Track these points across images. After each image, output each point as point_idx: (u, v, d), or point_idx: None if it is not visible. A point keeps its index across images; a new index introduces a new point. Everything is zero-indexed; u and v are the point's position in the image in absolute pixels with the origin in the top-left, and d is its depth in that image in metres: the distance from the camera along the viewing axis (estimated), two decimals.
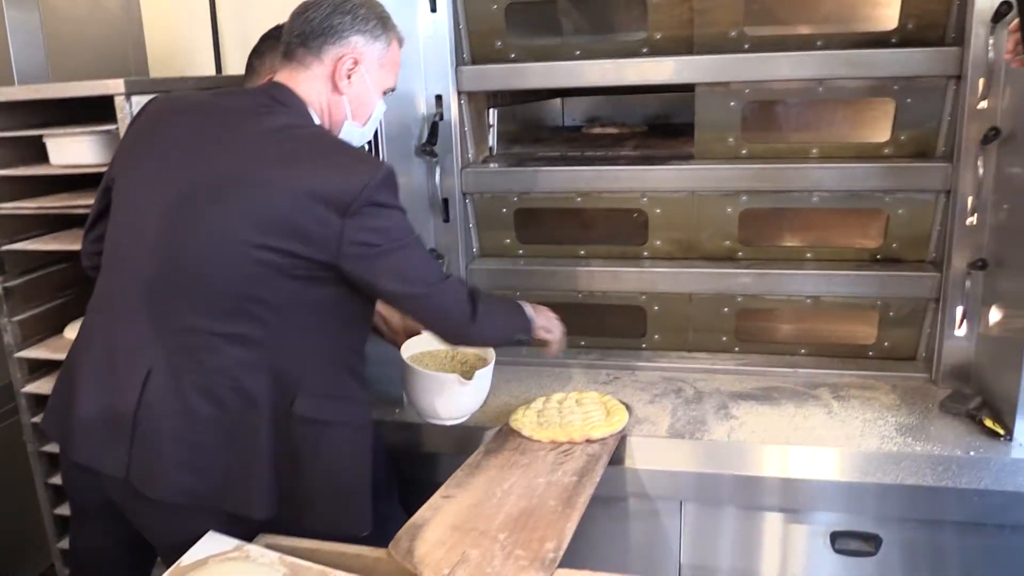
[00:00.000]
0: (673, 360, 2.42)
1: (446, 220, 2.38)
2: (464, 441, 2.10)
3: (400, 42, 1.78)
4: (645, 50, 2.26)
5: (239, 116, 1.65)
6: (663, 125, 3.23)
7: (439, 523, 1.60)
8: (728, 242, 2.35)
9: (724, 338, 2.41)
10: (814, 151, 2.26)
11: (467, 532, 1.56)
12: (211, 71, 3.22)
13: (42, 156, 2.19)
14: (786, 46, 2.16)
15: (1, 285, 2.23)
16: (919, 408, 2.10)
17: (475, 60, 2.37)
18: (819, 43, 2.15)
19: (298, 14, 1.70)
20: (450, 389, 1.96)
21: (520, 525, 1.58)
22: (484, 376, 1.98)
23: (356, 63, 1.69)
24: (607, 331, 2.51)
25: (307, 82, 1.69)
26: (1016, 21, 1.66)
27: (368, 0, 1.72)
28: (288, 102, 1.67)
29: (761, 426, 2.05)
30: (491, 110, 2.63)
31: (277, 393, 1.60)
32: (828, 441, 1.96)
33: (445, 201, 2.37)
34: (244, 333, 1.57)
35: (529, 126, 3.13)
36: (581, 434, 1.95)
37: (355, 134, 1.77)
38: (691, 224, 2.35)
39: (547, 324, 1.97)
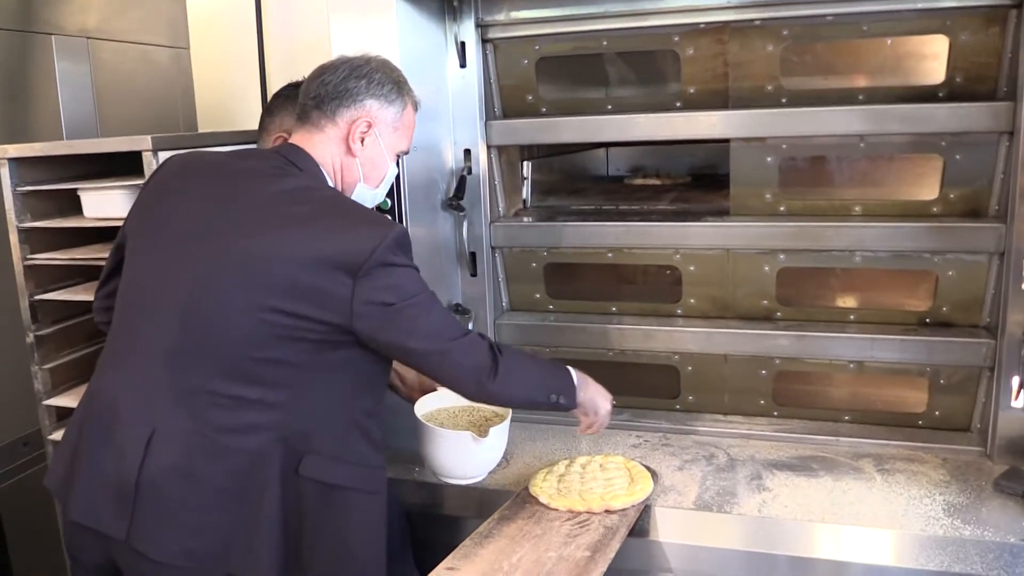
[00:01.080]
0: (707, 423, 2.32)
1: (473, 274, 2.34)
2: (483, 504, 2.03)
3: (416, 106, 1.78)
4: (679, 104, 2.20)
5: (254, 178, 1.65)
6: (708, 176, 3.15)
7: None
8: (765, 301, 2.25)
9: (762, 401, 2.30)
10: (856, 209, 2.16)
11: None
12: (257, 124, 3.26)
13: (77, 208, 2.23)
14: (825, 100, 2.07)
15: (33, 333, 2.26)
16: (971, 486, 1.95)
17: (506, 114, 2.35)
18: (861, 97, 2.06)
19: (315, 77, 1.71)
20: (464, 447, 1.91)
21: None
22: (499, 433, 1.92)
23: (370, 126, 1.69)
24: (639, 391, 2.42)
25: (321, 144, 1.69)
26: None
27: (384, 65, 1.73)
28: (302, 164, 1.67)
29: (795, 500, 1.92)
30: (525, 162, 2.59)
31: (286, 454, 1.57)
32: (868, 520, 1.83)
33: (473, 255, 2.33)
34: (257, 397, 1.55)
35: (570, 176, 3.09)
36: (600, 504, 1.86)
37: (367, 196, 1.76)
38: (726, 282, 2.26)
39: (593, 402, 1.89)
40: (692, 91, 2.18)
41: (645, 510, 1.92)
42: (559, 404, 1.81)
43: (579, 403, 1.86)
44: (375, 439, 1.70)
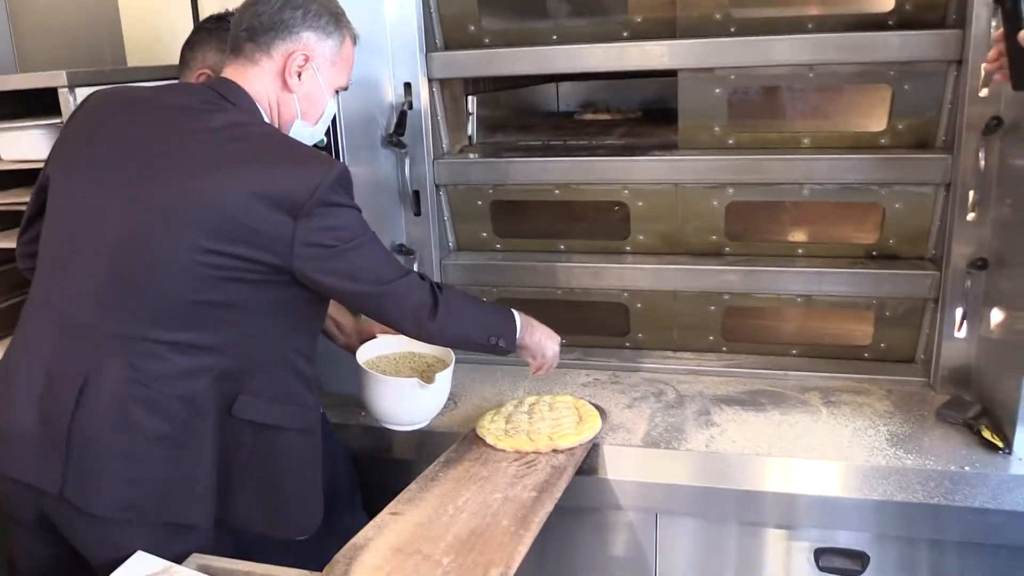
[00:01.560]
0: (657, 360, 2.31)
1: (417, 213, 2.27)
2: (430, 447, 2.00)
3: (355, 40, 1.70)
4: (625, 34, 2.13)
5: (183, 114, 1.56)
6: (660, 110, 3.08)
7: (381, 544, 1.49)
8: (714, 237, 2.22)
9: (711, 337, 2.29)
10: (805, 141, 2.12)
11: (409, 555, 1.46)
12: None
13: None
14: (775, 29, 2.02)
15: None
16: (914, 416, 1.97)
17: (448, 45, 2.25)
18: (810, 25, 2.01)
19: (247, 7, 1.61)
20: (409, 393, 1.86)
21: (468, 547, 1.48)
22: (444, 379, 1.88)
23: (307, 60, 1.60)
24: (588, 329, 2.40)
25: (255, 79, 1.60)
26: (1001, 30, 1.50)
27: None
28: (235, 99, 1.58)
29: (743, 435, 1.93)
30: (470, 97, 2.51)
31: (220, 397, 1.53)
32: (814, 452, 1.84)
33: (416, 193, 2.26)
34: (191, 341, 1.49)
35: (518, 112, 3.01)
36: (547, 444, 1.84)
37: (305, 133, 1.68)
38: (675, 218, 2.23)
39: (540, 345, 1.87)
40: (639, 20, 2.10)
41: (594, 448, 1.91)
42: (498, 347, 1.78)
43: (525, 346, 1.84)
44: (308, 378, 1.66)
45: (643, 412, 2.07)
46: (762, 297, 2.21)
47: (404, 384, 1.85)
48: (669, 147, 2.25)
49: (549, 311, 2.37)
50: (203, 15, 3.16)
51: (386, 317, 1.67)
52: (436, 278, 2.36)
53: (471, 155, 2.37)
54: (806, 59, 2.01)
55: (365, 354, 1.93)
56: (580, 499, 1.86)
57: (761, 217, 2.20)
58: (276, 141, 1.58)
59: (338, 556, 1.45)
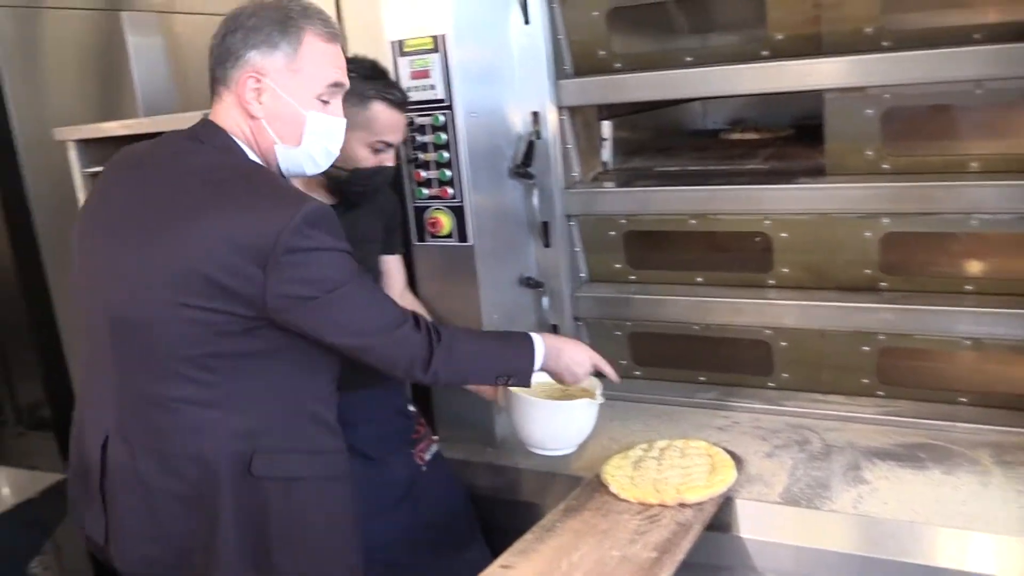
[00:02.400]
0: (802, 404, 2.12)
1: (546, 245, 2.21)
2: (554, 488, 1.94)
3: (326, 36, 1.51)
4: (765, 52, 1.98)
5: (162, 163, 1.53)
6: (813, 127, 2.86)
7: None
8: (868, 271, 2.02)
9: (864, 380, 2.08)
10: (973, 165, 1.89)
11: None
12: None
13: None
14: (935, 41, 1.81)
15: None
16: None
17: (578, 72, 2.18)
18: (977, 36, 1.78)
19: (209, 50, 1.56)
20: (579, 415, 1.89)
21: None
22: (590, 407, 1.88)
23: (259, 81, 1.47)
24: (728, 367, 2.25)
25: (224, 114, 1.52)
26: None
27: (261, 7, 1.50)
28: (208, 137, 1.51)
29: (897, 496, 1.72)
30: (604, 122, 2.42)
31: (234, 456, 1.48)
32: (981, 522, 1.61)
33: (545, 224, 2.20)
34: (195, 396, 1.45)
35: (660, 132, 2.89)
36: (674, 497, 1.72)
37: (294, 156, 1.54)
38: (823, 249, 2.05)
39: (568, 370, 1.78)
40: (780, 37, 1.95)
41: (727, 502, 1.76)
42: (509, 384, 1.75)
43: (552, 371, 1.78)
44: (329, 423, 1.59)
45: (784, 463, 1.90)
46: (924, 338, 1.98)
47: (571, 406, 1.87)
48: (817, 172, 2.08)
49: (686, 347, 2.26)
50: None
51: (374, 366, 1.56)
52: (567, 311, 2.29)
53: (603, 184, 2.29)
54: (973, 74, 1.79)
55: None
56: (707, 556, 1.73)
57: (922, 250, 1.98)
58: (239, 180, 1.48)
59: None
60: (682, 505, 1.71)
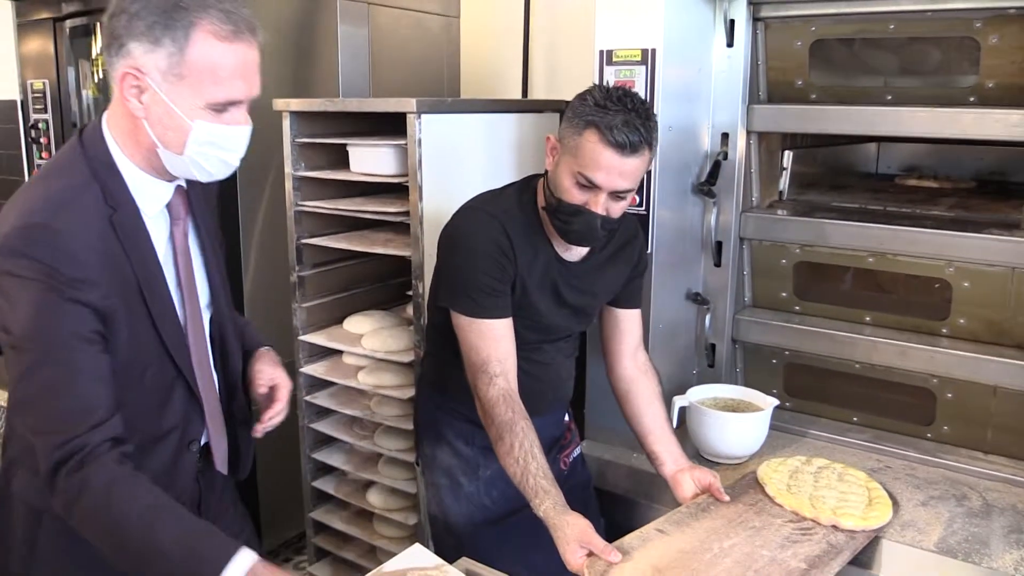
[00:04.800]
0: (963, 460, 2.07)
1: (717, 264, 2.24)
2: None
3: (218, 32, 1.24)
4: (973, 99, 1.95)
5: None
6: (996, 182, 2.79)
7: (642, 557, 1.52)
8: None
9: None
10: None
11: None
12: (518, 94, 3.32)
13: (345, 162, 2.38)
14: None
15: (296, 274, 2.46)
16: None
17: (771, 98, 2.21)
18: None
19: None
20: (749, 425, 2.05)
21: None
22: (760, 419, 2.05)
23: (138, 79, 1.25)
24: (886, 412, 2.21)
25: (113, 108, 1.35)
26: None
27: None
28: (82, 139, 1.36)
29: None
30: (786, 152, 2.43)
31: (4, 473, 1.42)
32: None
33: (719, 244, 2.24)
34: None
35: (834, 170, 2.86)
36: (829, 518, 1.71)
37: (178, 163, 1.33)
38: (1006, 305, 1.99)
39: None
40: (991, 85, 1.92)
41: (875, 539, 1.75)
42: None
43: None
44: None
45: (940, 514, 1.86)
46: None
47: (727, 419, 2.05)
48: (1009, 226, 2.03)
49: (843, 385, 2.24)
50: (533, 56, 3.36)
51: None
52: (727, 332, 2.31)
53: (780, 211, 2.30)
54: None
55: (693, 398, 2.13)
56: None
57: None
58: (31, 184, 1.34)
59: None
60: (835, 527, 1.71)
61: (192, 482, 1.51)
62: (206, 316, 1.51)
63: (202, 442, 1.51)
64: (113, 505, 1.22)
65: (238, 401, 1.60)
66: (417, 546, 1.58)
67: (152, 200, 1.38)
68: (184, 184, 1.44)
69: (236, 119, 1.32)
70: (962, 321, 2.07)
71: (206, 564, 1.22)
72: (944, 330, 2.10)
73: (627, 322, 1.94)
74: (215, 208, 1.59)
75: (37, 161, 3.37)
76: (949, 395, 2.09)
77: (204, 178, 1.37)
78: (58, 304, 1.22)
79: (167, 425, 1.43)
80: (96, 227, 1.28)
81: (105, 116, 1.36)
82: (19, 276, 1.21)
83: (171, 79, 1.25)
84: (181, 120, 1.27)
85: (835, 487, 1.84)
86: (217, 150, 1.32)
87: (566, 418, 2.07)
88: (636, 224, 1.92)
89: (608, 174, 1.60)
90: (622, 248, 1.87)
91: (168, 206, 1.41)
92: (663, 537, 1.58)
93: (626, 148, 1.57)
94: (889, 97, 2.07)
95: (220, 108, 1.29)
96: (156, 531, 1.22)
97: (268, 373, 1.62)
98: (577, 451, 2.08)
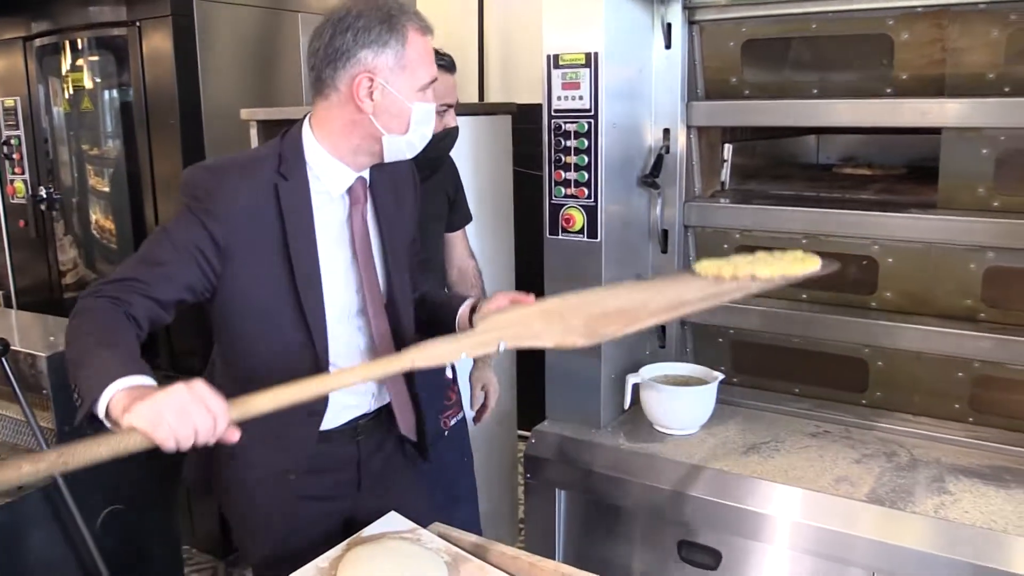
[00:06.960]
0: (893, 422, 2.25)
1: (664, 251, 2.40)
2: (650, 468, 2.11)
3: (423, 30, 1.63)
4: (889, 90, 2.13)
5: None
6: (925, 168, 2.98)
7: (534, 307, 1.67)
8: (969, 301, 2.14)
9: (956, 405, 2.19)
10: None
11: (551, 314, 1.62)
12: (475, 99, 3.47)
13: None
14: None
15: None
16: None
17: (708, 95, 2.37)
18: None
19: (309, 50, 1.65)
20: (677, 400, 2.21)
21: (603, 318, 1.58)
22: (707, 391, 2.22)
23: (372, 80, 1.59)
24: (822, 381, 2.38)
25: (328, 111, 1.64)
26: None
27: (365, 8, 1.60)
28: (284, 133, 1.70)
29: (978, 507, 1.85)
30: (726, 145, 2.60)
31: None
32: None
33: (665, 232, 2.39)
34: None
35: (775, 161, 3.04)
36: (746, 271, 1.63)
37: (402, 144, 1.66)
38: (927, 278, 2.17)
39: (144, 423, 1.26)
40: (904, 77, 2.10)
41: (813, 499, 1.91)
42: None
43: (121, 425, 1.29)
44: None
45: (871, 469, 2.04)
46: (1019, 369, 2.09)
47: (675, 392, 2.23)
48: (928, 205, 2.21)
49: (785, 359, 2.41)
50: (488, 62, 3.51)
51: None
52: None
53: (721, 200, 2.46)
54: None
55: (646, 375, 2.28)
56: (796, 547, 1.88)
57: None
58: None
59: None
60: (753, 278, 1.64)
61: (346, 446, 1.80)
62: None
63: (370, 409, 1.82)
64: (81, 324, 1.46)
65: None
66: (393, 513, 1.71)
67: (336, 182, 1.68)
68: (367, 177, 1.73)
69: (431, 97, 1.67)
70: (888, 295, 2.25)
71: (91, 393, 1.33)
72: (873, 303, 2.28)
73: (456, 240, 2.47)
74: (415, 201, 1.90)
75: (10, 176, 3.47)
76: (880, 363, 2.27)
77: (410, 154, 1.70)
78: (187, 216, 1.58)
79: None
80: (254, 186, 1.61)
81: (308, 118, 1.68)
82: (184, 200, 1.59)
83: (397, 71, 1.59)
84: (403, 105, 1.61)
85: (766, 258, 1.70)
86: (423, 127, 1.67)
87: (448, 375, 2.35)
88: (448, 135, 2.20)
89: (453, 92, 2.15)
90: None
91: (349, 191, 1.70)
92: (561, 296, 1.66)
93: (455, 67, 2.19)
94: (815, 91, 2.25)
95: (425, 88, 1.64)
96: (87, 352, 1.40)
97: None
98: (460, 416, 2.38)
